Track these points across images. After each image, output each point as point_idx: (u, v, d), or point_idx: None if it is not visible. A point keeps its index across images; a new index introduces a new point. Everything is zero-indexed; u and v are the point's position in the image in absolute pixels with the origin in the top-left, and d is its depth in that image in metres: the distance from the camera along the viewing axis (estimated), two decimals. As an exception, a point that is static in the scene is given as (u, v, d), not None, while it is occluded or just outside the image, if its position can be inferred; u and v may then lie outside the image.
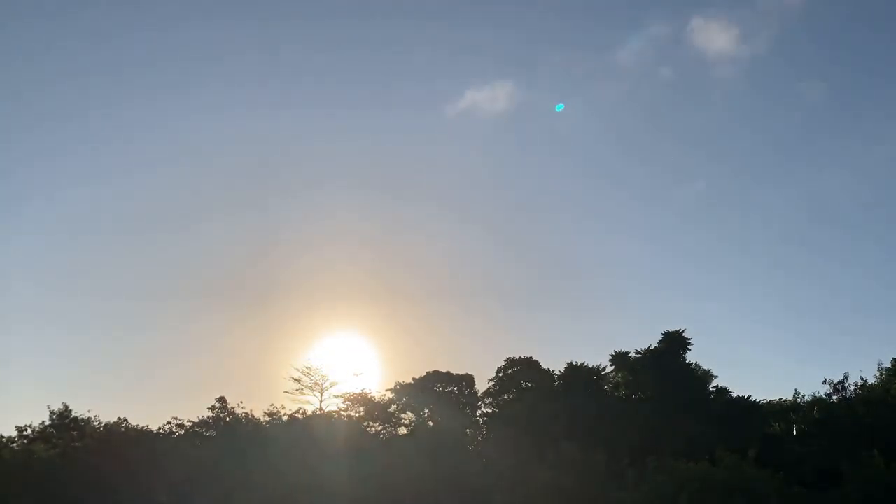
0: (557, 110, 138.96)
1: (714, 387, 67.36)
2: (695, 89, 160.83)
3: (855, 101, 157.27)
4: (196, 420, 69.05)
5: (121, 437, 64.87)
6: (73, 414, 67.02)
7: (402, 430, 72.29)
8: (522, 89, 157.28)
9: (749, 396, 66.45)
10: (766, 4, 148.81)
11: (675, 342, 67.18)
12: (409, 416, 73.11)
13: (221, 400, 69.79)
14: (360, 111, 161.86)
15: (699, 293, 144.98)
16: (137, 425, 67.55)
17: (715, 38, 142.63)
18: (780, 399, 67.55)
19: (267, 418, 69.78)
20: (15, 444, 64.83)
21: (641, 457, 52.67)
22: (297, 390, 73.99)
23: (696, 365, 67.88)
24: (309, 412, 71.60)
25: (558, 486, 54.79)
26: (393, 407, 73.05)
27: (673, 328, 67.86)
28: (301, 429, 66.55)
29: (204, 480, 59.16)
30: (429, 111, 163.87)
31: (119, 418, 67.43)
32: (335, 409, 72.96)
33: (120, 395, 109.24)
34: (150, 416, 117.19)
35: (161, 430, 68.14)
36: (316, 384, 74.42)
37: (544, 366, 73.26)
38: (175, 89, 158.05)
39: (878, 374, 63.68)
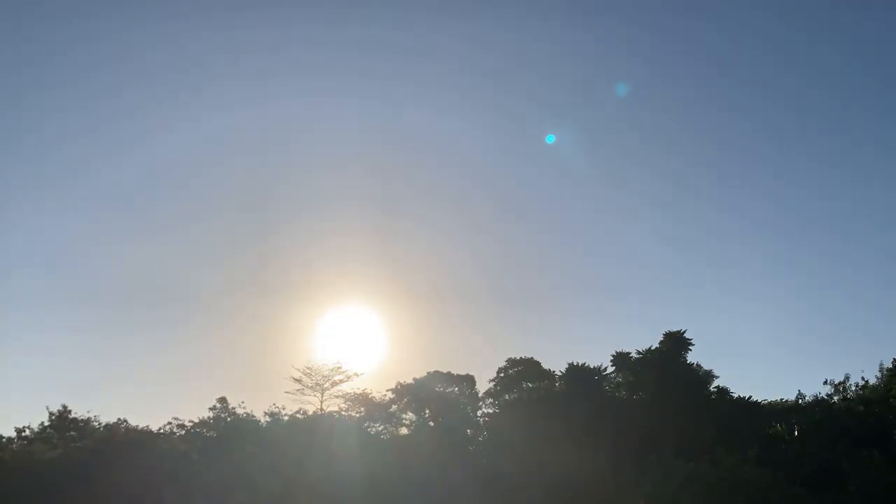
0: (549, 142, 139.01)
1: (715, 387, 67.22)
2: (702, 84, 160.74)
3: (855, 99, 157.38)
4: (196, 420, 69.08)
5: (121, 437, 64.82)
6: (73, 414, 67.07)
7: (403, 431, 72.29)
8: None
9: (750, 397, 66.39)
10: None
11: (676, 343, 67.06)
12: (409, 416, 73.10)
13: (222, 400, 69.78)
14: (364, 108, 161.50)
15: (700, 293, 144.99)
16: (137, 426, 67.61)
17: None
18: (782, 399, 67.48)
19: (267, 418, 69.79)
20: (14, 445, 64.84)
21: (642, 457, 52.67)
22: (297, 390, 74.04)
23: (698, 365, 67.75)
24: (310, 412, 71.67)
25: (559, 487, 54.85)
26: (394, 407, 73.02)
27: (674, 328, 67.86)
28: (302, 429, 66.56)
29: (204, 481, 59.19)
30: (439, 111, 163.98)
31: (119, 419, 67.47)
32: (336, 409, 73.06)
33: (120, 396, 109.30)
34: (151, 416, 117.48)
35: (161, 431, 68.14)
36: (317, 384, 74.45)
37: (545, 366, 73.19)
38: (176, 88, 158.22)
39: (879, 375, 63.60)
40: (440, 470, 59.14)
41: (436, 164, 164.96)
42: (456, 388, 73.79)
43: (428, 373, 74.35)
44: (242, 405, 69.92)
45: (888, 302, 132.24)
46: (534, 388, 70.62)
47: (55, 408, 67.03)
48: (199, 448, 65.58)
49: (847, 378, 64.31)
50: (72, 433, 65.93)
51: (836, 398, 63.86)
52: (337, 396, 74.10)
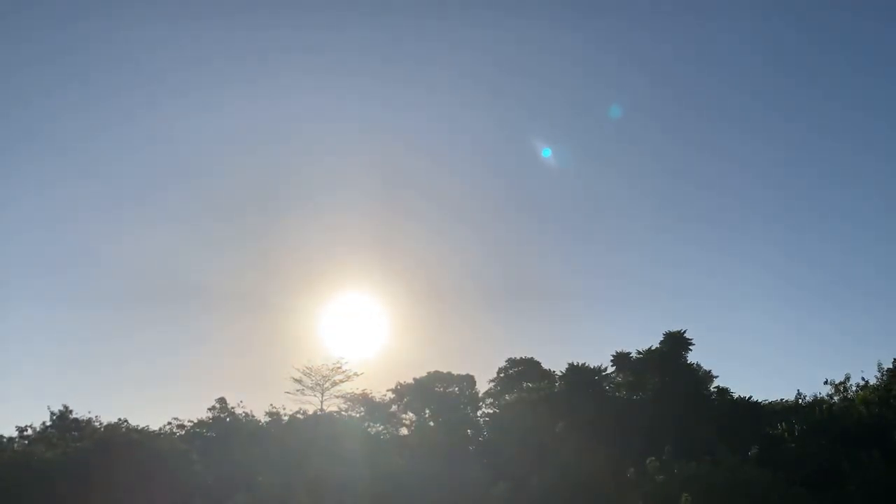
0: (545, 156, 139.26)
1: (715, 387, 67.08)
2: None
3: (853, 101, 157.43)
4: (196, 420, 69.12)
5: (121, 437, 64.79)
6: (74, 414, 67.15)
7: (403, 431, 72.38)
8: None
9: (750, 397, 66.25)
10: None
11: (676, 343, 66.89)
12: (409, 416, 73.22)
13: (221, 400, 69.97)
14: (366, 110, 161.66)
15: (701, 293, 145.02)
16: (138, 426, 67.65)
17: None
18: (782, 400, 67.37)
19: (267, 419, 69.85)
20: (15, 445, 64.88)
21: (642, 457, 52.58)
22: (297, 390, 74.21)
23: (698, 365, 67.64)
24: (310, 412, 71.73)
25: (559, 487, 54.78)
26: (394, 407, 73.18)
27: (674, 328, 67.76)
28: (302, 429, 66.58)
29: (204, 481, 59.19)
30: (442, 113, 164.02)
31: (119, 419, 67.42)
32: (336, 409, 73.13)
33: (120, 396, 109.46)
34: (151, 416, 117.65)
35: (161, 431, 68.20)
36: (317, 384, 74.56)
37: (545, 366, 73.35)
38: (177, 89, 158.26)
39: (878, 375, 63.44)
40: (440, 470, 59.12)
41: (437, 166, 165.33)
42: (456, 388, 73.90)
43: (428, 373, 74.53)
44: (241, 405, 70.13)
45: (888, 302, 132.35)
46: (534, 388, 70.56)
47: (56, 408, 67.23)
48: (199, 448, 65.61)
49: (847, 378, 64.08)
50: (73, 433, 65.95)
51: (836, 398, 63.68)
52: (337, 396, 74.41)
